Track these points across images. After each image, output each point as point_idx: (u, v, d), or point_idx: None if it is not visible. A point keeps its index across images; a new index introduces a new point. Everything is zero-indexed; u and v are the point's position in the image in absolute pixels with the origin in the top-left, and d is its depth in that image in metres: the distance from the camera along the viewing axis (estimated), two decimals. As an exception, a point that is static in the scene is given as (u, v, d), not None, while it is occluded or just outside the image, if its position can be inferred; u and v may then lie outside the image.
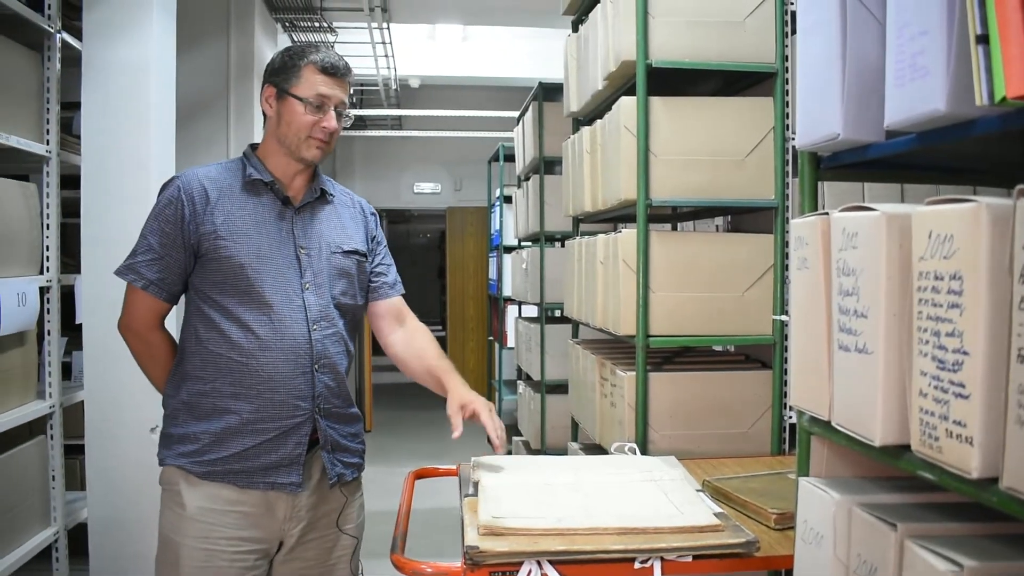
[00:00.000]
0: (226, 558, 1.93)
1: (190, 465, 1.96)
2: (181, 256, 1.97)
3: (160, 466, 2.03)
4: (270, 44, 5.29)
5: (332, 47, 5.74)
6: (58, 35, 3.09)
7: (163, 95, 3.23)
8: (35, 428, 3.07)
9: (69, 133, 3.31)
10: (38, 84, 3.04)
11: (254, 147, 2.11)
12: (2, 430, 2.73)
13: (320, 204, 2.11)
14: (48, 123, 3.07)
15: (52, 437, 3.09)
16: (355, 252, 2.12)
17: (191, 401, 1.98)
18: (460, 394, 2.06)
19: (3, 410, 2.80)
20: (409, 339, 2.23)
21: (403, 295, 2.27)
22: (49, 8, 3.04)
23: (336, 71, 2.01)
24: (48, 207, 3.07)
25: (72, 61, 3.18)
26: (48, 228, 3.07)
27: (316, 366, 1.99)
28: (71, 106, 3.26)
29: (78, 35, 3.18)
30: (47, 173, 3.07)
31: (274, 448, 1.96)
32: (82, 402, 3.21)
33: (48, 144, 3.06)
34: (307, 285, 2.00)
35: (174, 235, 1.96)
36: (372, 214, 2.25)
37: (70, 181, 3.21)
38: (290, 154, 2.02)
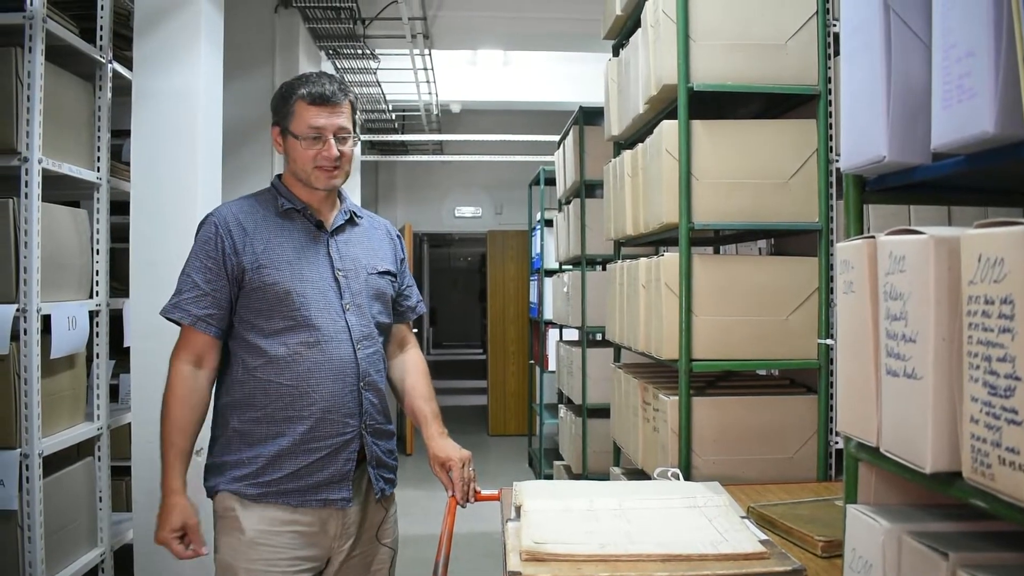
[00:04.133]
0: None
1: (244, 488, 1.97)
2: (226, 289, 2.00)
3: (211, 496, 2.04)
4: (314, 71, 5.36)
5: (374, 72, 5.85)
6: (109, 65, 3.17)
7: (210, 123, 3.30)
8: (83, 449, 3.12)
9: (119, 160, 3.38)
10: (90, 113, 3.11)
11: (280, 177, 2.15)
12: (52, 451, 2.77)
13: (351, 227, 2.16)
14: (99, 151, 3.14)
15: (100, 458, 3.14)
16: (388, 273, 2.18)
17: (243, 429, 2.00)
18: (437, 451, 2.12)
19: (53, 432, 2.85)
20: (404, 371, 2.29)
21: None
22: (101, 39, 3.12)
23: (325, 100, 2.01)
24: (98, 232, 3.14)
25: (122, 90, 3.26)
26: (98, 253, 3.14)
27: (362, 384, 2.04)
28: (121, 134, 3.34)
29: (128, 65, 3.26)
30: (97, 199, 3.14)
31: (325, 465, 1.99)
32: (129, 424, 3.25)
33: (99, 171, 3.13)
34: (347, 306, 2.04)
35: (217, 269, 1.99)
36: (397, 236, 2.29)
37: (119, 207, 3.28)
38: (308, 185, 2.07)
